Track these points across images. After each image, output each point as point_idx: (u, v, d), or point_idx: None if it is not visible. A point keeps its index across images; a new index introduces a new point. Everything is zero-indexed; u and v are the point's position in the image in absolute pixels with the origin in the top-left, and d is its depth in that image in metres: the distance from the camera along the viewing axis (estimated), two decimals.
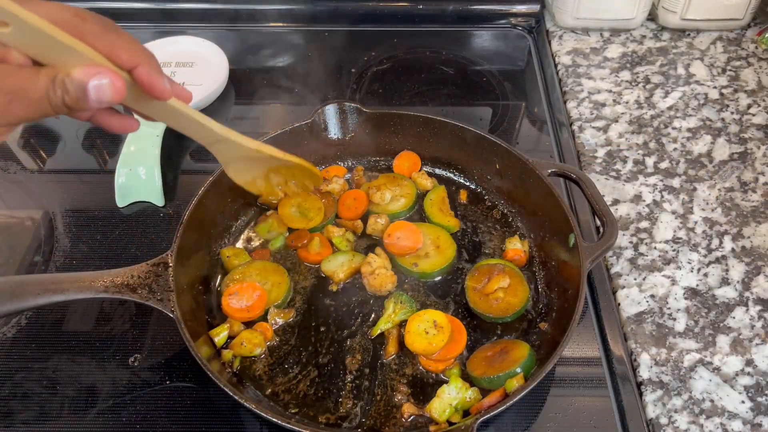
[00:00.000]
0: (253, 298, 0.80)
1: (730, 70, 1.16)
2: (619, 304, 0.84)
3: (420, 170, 0.97)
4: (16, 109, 0.47)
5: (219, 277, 0.85)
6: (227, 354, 0.76)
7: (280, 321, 0.80)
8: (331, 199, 0.92)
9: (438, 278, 0.85)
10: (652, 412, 0.74)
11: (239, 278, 0.82)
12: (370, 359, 0.77)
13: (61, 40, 0.46)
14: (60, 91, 0.47)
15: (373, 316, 0.82)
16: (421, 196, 0.94)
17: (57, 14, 0.47)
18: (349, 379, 0.76)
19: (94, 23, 0.48)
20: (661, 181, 0.98)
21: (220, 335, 0.77)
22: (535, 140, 1.08)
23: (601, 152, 1.02)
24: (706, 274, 0.86)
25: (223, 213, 0.89)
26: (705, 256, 0.88)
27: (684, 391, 0.75)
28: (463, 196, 0.95)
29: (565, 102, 1.12)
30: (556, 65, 1.19)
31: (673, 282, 0.85)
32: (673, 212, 0.93)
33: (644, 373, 0.77)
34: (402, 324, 0.79)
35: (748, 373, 0.76)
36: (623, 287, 0.85)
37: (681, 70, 1.16)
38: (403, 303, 0.80)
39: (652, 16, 1.25)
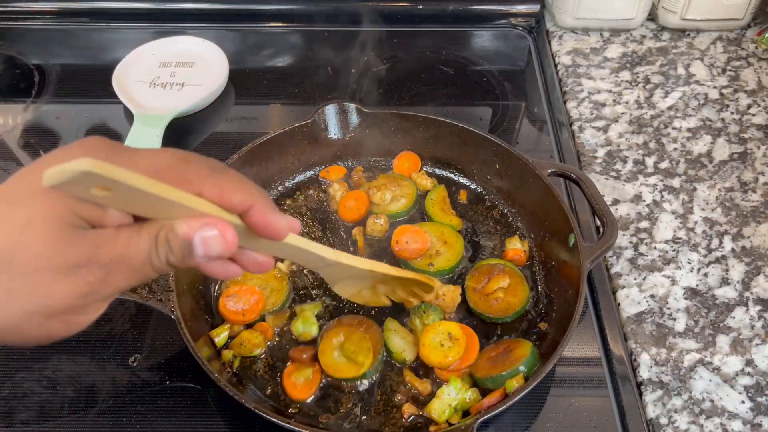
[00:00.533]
0: (250, 302, 0.79)
1: (730, 70, 1.16)
2: (619, 304, 0.84)
3: (420, 170, 0.97)
4: (116, 281, 0.41)
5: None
6: (227, 354, 0.76)
7: (275, 328, 0.80)
8: (377, 334, 0.77)
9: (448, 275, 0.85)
10: (652, 412, 0.74)
11: (240, 280, 0.82)
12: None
13: (165, 197, 0.40)
14: (164, 251, 0.42)
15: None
16: (421, 196, 0.94)
17: (159, 163, 0.41)
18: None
19: (201, 166, 0.42)
20: (661, 181, 0.98)
21: (220, 335, 0.77)
22: (535, 140, 1.08)
23: (601, 152, 1.02)
24: (706, 274, 0.86)
25: None
26: (705, 256, 0.88)
27: (684, 391, 0.75)
28: (463, 196, 0.95)
29: (565, 102, 1.12)
30: (556, 65, 1.19)
31: (673, 282, 0.85)
32: (673, 212, 0.94)
33: (644, 373, 0.77)
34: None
35: (748, 373, 0.76)
36: (623, 287, 0.85)
37: (681, 70, 1.16)
38: (427, 311, 0.79)
39: (652, 16, 1.25)
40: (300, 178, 0.97)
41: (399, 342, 0.77)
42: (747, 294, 0.84)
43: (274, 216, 0.45)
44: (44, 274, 0.39)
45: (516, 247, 0.86)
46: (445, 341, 0.75)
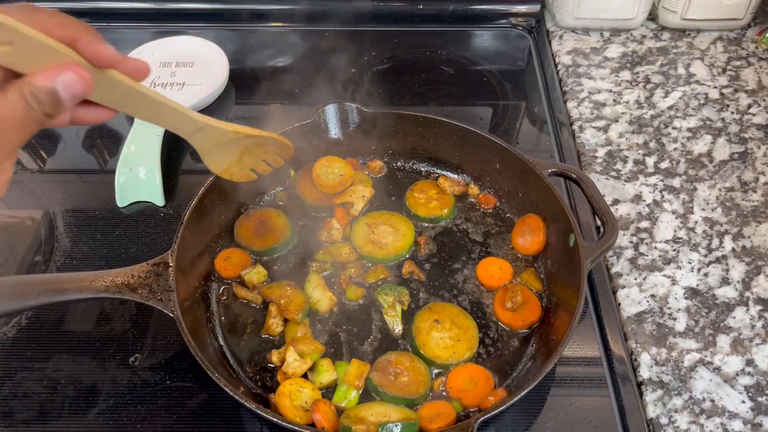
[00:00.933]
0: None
1: (730, 70, 1.16)
2: (619, 304, 0.84)
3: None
4: (8, 140, 0.46)
5: (219, 276, 0.85)
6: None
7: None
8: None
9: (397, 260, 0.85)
10: (652, 411, 0.74)
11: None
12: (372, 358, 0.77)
13: (54, 48, 0.46)
14: (36, 105, 0.46)
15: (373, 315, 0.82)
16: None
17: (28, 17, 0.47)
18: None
19: (15, 12, 0.46)
20: (662, 180, 0.98)
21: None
22: (535, 140, 1.08)
23: (601, 152, 1.02)
24: (706, 274, 0.86)
25: (224, 212, 0.89)
26: (705, 255, 0.88)
27: (684, 390, 0.75)
28: (473, 193, 0.95)
29: (565, 102, 1.12)
30: (556, 65, 1.19)
31: (674, 282, 0.85)
32: (674, 212, 0.93)
33: (644, 372, 0.77)
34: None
35: (749, 373, 0.76)
36: (623, 287, 0.85)
37: (681, 70, 1.16)
38: (389, 293, 0.82)
39: (652, 16, 1.25)
40: None
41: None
42: (747, 294, 0.84)
43: (101, 43, 0.50)
44: None
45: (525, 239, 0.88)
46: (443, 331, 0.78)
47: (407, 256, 0.88)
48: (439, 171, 0.97)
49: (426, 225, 0.92)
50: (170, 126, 0.63)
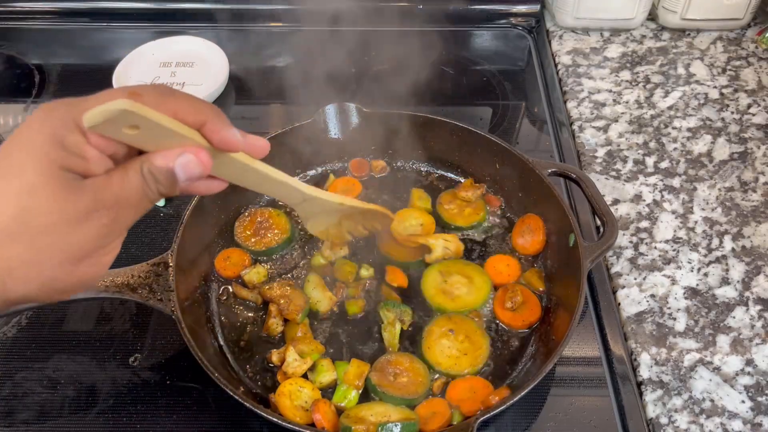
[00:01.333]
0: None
1: (730, 70, 1.16)
2: (619, 304, 0.84)
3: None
4: (124, 217, 0.47)
5: (220, 275, 0.85)
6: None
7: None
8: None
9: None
10: (652, 411, 0.74)
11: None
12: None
13: (177, 131, 0.46)
14: (153, 183, 0.47)
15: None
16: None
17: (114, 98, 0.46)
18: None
19: (151, 95, 0.47)
20: (662, 180, 0.98)
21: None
22: (535, 140, 1.08)
23: (601, 152, 1.02)
24: (706, 274, 0.86)
25: (224, 212, 0.89)
26: (705, 255, 0.88)
27: (684, 390, 0.75)
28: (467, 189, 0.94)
29: (565, 102, 1.12)
30: (556, 65, 1.19)
31: (673, 282, 0.85)
32: (673, 212, 0.93)
33: (644, 372, 0.77)
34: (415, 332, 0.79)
35: (748, 373, 0.76)
36: (623, 287, 0.85)
37: (681, 70, 1.16)
38: (391, 310, 0.80)
39: (652, 16, 1.25)
40: (300, 177, 0.97)
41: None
42: (747, 294, 0.84)
43: (229, 128, 0.51)
44: (62, 226, 0.44)
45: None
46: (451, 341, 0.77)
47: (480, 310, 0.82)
48: (439, 171, 0.97)
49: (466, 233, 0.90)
50: (279, 196, 0.67)
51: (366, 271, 0.85)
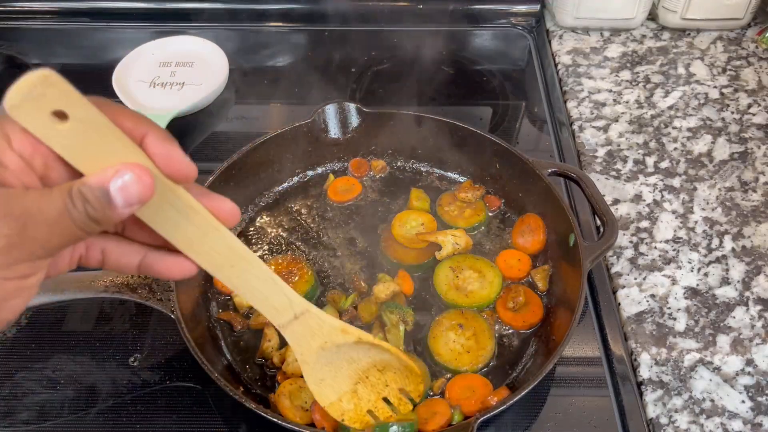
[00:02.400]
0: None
1: (730, 70, 1.16)
2: (619, 304, 0.84)
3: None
4: (35, 234, 0.39)
5: None
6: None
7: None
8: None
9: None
10: (652, 411, 0.74)
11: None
12: None
13: (118, 135, 0.39)
14: (80, 203, 0.39)
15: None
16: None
17: None
18: None
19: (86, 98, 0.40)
20: (662, 180, 0.98)
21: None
22: (535, 140, 1.08)
23: (601, 152, 1.02)
24: (706, 274, 0.86)
25: None
26: (705, 255, 0.88)
27: (684, 390, 0.75)
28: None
29: (565, 102, 1.12)
30: (556, 65, 1.19)
31: (674, 282, 0.85)
32: (674, 212, 0.93)
33: (644, 372, 0.77)
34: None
35: (749, 373, 0.76)
36: (623, 287, 0.85)
37: (681, 70, 1.16)
38: (394, 312, 0.79)
39: (652, 16, 1.25)
40: (300, 177, 0.97)
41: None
42: (747, 294, 0.84)
43: (175, 147, 0.42)
44: None
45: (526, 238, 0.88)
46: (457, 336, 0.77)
47: (492, 305, 0.81)
48: (439, 171, 0.97)
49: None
50: (256, 299, 0.49)
51: (386, 288, 0.80)
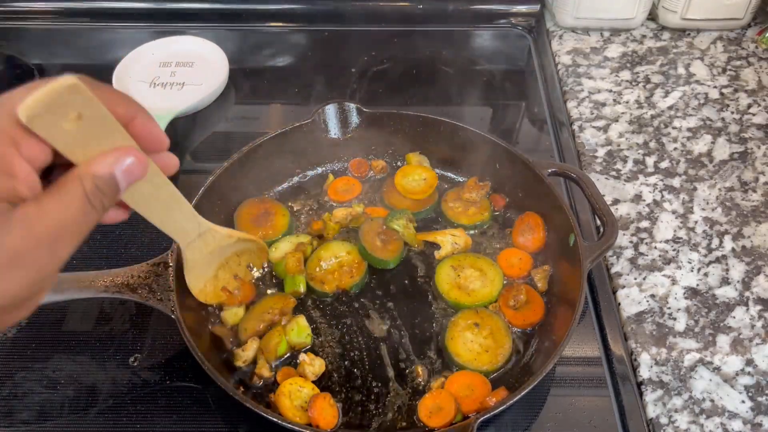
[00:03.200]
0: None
1: (730, 70, 1.16)
2: (619, 304, 0.84)
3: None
4: (63, 252, 0.40)
5: None
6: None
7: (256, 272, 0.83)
8: None
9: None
10: (652, 411, 0.74)
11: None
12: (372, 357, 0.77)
13: (111, 121, 0.41)
14: (98, 199, 0.40)
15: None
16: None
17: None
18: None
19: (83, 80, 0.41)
20: (662, 180, 0.98)
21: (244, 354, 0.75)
22: (535, 140, 1.08)
23: (601, 152, 1.02)
24: (706, 274, 0.86)
25: (223, 212, 0.89)
26: (705, 255, 0.88)
27: (684, 390, 0.75)
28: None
29: (565, 102, 1.12)
30: (556, 65, 1.19)
31: (674, 282, 0.85)
32: (674, 212, 0.93)
33: (644, 372, 0.77)
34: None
35: (749, 373, 0.76)
36: (623, 287, 0.85)
37: (681, 70, 1.16)
38: (399, 217, 0.84)
39: (652, 16, 1.25)
40: (300, 177, 0.97)
41: None
42: (747, 294, 0.84)
43: (155, 125, 0.46)
44: None
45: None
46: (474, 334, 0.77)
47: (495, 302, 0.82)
48: (439, 171, 0.97)
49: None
50: (174, 228, 0.61)
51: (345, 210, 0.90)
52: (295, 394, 0.71)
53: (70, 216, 0.39)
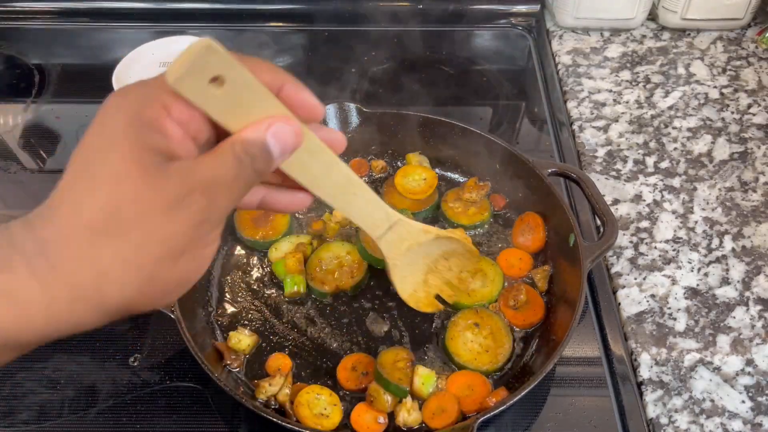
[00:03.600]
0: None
1: (730, 70, 1.16)
2: (619, 304, 0.84)
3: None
4: (220, 202, 0.42)
5: (219, 274, 0.85)
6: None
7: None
8: None
9: None
10: (652, 411, 0.74)
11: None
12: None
13: (261, 88, 0.42)
14: (249, 161, 0.42)
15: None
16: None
17: None
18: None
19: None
20: (662, 180, 0.98)
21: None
22: (535, 140, 1.08)
23: (601, 152, 1.02)
24: (706, 274, 0.86)
25: None
26: (705, 255, 0.88)
27: (684, 390, 0.75)
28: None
29: (565, 102, 1.12)
30: (556, 65, 1.19)
31: (674, 282, 0.85)
32: (674, 212, 0.93)
33: (644, 372, 0.77)
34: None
35: (749, 373, 0.76)
36: (623, 287, 0.85)
37: (681, 70, 1.16)
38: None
39: (652, 16, 1.25)
40: None
41: None
42: (747, 294, 0.84)
43: (307, 92, 0.46)
44: (154, 216, 0.39)
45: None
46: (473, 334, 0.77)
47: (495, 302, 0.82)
48: (439, 171, 0.97)
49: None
50: (361, 217, 0.56)
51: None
52: (314, 403, 0.71)
53: (222, 174, 0.41)
